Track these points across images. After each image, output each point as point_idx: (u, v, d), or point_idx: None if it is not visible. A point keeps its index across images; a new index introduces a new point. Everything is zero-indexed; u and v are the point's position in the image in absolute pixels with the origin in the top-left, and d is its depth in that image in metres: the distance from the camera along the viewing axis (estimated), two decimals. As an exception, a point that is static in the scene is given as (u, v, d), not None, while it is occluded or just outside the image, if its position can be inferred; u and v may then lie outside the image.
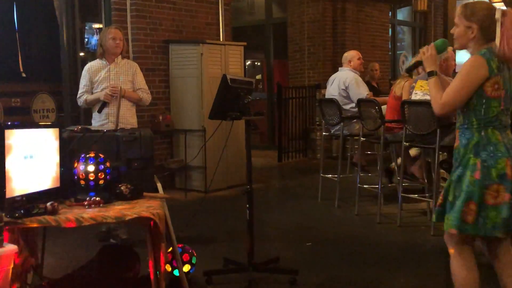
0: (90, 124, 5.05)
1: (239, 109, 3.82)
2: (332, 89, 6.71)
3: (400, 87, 5.92)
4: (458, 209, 2.77)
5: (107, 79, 4.84)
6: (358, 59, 6.75)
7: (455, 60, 5.49)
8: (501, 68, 2.76)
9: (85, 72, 4.91)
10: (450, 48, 5.53)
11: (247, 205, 3.93)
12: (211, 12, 7.97)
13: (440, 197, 2.94)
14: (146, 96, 5.01)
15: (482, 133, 2.78)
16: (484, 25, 2.80)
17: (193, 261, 3.86)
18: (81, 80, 4.94)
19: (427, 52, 3.00)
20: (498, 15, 2.77)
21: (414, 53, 13.23)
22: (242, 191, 3.94)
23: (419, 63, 3.18)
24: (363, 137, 6.00)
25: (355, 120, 6.27)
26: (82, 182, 3.02)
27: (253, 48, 12.00)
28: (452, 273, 2.97)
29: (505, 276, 2.91)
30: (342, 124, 6.20)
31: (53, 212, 2.75)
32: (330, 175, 6.65)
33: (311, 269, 4.22)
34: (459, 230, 2.78)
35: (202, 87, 7.04)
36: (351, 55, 6.78)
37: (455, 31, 2.92)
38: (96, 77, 4.84)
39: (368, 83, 8.17)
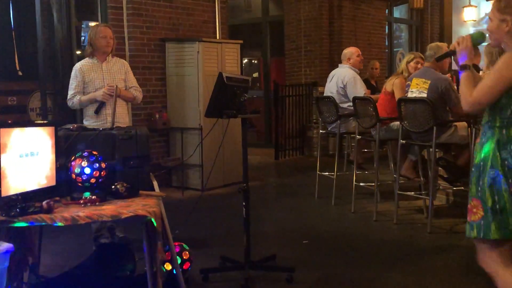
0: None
1: (235, 107, 3.83)
2: (331, 86, 6.72)
3: (391, 84, 6.00)
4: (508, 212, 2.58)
5: (100, 78, 4.70)
6: (358, 56, 6.72)
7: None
8: None
9: (76, 72, 4.72)
10: (445, 45, 5.55)
11: (244, 203, 3.93)
12: (207, 10, 7.97)
13: (476, 210, 2.67)
14: (139, 94, 4.94)
15: (504, 132, 2.63)
16: None
17: (190, 259, 3.86)
18: (71, 80, 4.75)
19: (462, 44, 2.82)
20: None
21: (411, 50, 13.26)
22: (239, 189, 3.94)
23: (451, 53, 2.95)
24: (359, 135, 6.01)
25: (351, 118, 6.28)
26: (78, 181, 3.02)
27: (250, 46, 11.99)
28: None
29: None
30: (338, 122, 6.21)
31: (49, 210, 2.75)
32: (327, 173, 6.66)
33: (307, 267, 4.22)
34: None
35: (198, 85, 7.03)
36: (351, 52, 6.75)
37: (489, 26, 2.75)
38: (88, 77, 4.68)
39: (366, 81, 8.19)
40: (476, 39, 2.85)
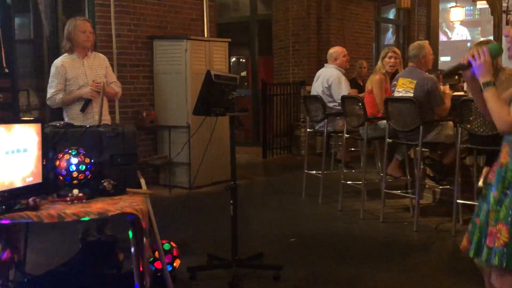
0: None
1: (223, 105, 3.83)
2: (317, 86, 6.72)
3: (371, 82, 6.03)
4: None
5: (83, 74, 4.52)
6: (344, 56, 6.68)
7: (432, 54, 5.52)
8: None
9: (57, 69, 4.48)
10: (426, 42, 5.59)
11: (231, 201, 3.93)
12: (195, 8, 7.95)
13: (500, 236, 2.35)
14: (119, 89, 4.78)
15: None
16: None
17: (177, 257, 3.86)
18: (51, 78, 4.52)
19: (479, 59, 2.48)
20: None
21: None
22: (226, 187, 3.94)
23: (462, 67, 2.57)
24: (347, 134, 6.04)
25: (339, 117, 6.30)
26: (65, 178, 3.01)
27: (238, 44, 11.99)
28: None
29: None
30: (326, 120, 6.23)
31: (35, 208, 2.74)
32: (314, 172, 6.68)
33: (294, 265, 4.23)
34: None
35: (186, 83, 7.02)
36: (337, 53, 6.71)
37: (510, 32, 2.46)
38: (71, 74, 4.48)
39: (354, 80, 8.22)
40: (495, 52, 2.55)
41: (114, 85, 4.72)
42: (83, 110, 4.49)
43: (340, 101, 6.13)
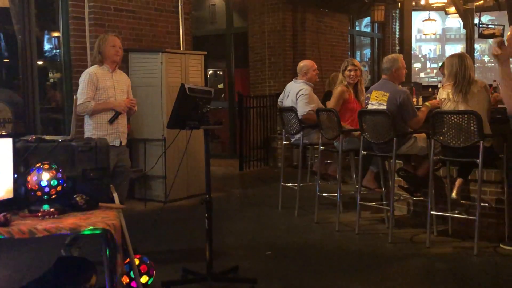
0: (47, 134, 4.95)
1: (198, 118, 3.83)
2: (288, 102, 6.60)
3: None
4: None
5: (112, 87, 4.75)
6: (314, 70, 6.58)
7: (405, 68, 5.60)
8: None
9: (88, 77, 4.67)
10: (400, 56, 5.68)
11: (206, 215, 3.92)
12: (171, 21, 7.96)
13: None
14: (136, 108, 5.05)
15: None
16: None
17: (151, 272, 3.82)
18: (83, 85, 4.67)
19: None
20: None
21: (373, 62, 13.50)
22: (201, 200, 3.93)
23: None
24: (322, 146, 6.07)
25: (314, 130, 6.32)
26: (36, 193, 2.96)
27: (215, 57, 12.00)
28: None
29: None
30: (301, 133, 6.25)
31: (6, 223, 2.69)
32: (290, 184, 6.69)
33: (270, 278, 4.23)
34: None
35: (162, 96, 7.00)
36: (307, 67, 6.57)
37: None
38: (101, 84, 4.68)
39: (329, 93, 8.25)
40: None
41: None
42: (111, 121, 4.69)
43: (302, 114, 6.19)
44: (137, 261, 3.72)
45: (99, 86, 4.69)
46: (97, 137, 4.48)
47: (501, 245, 4.88)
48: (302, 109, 6.26)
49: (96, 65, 4.79)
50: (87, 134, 4.75)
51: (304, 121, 6.27)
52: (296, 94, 6.45)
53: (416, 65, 14.78)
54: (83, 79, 4.71)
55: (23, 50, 6.53)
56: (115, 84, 4.78)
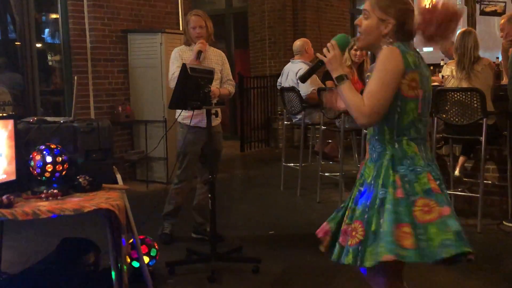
0: (48, 115, 4.90)
1: (200, 98, 3.80)
2: (288, 82, 6.59)
3: None
4: (388, 232, 2.19)
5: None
6: (311, 46, 6.60)
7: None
8: (417, 64, 2.29)
9: (175, 53, 4.64)
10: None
11: (209, 195, 3.92)
12: (170, 1, 7.88)
13: (355, 234, 2.31)
14: (232, 89, 4.83)
15: (396, 146, 2.31)
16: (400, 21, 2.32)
17: (153, 253, 3.83)
18: (172, 61, 4.63)
19: (329, 53, 2.38)
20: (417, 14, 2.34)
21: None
22: (204, 181, 3.92)
23: (316, 67, 2.52)
24: (324, 126, 6.05)
25: (316, 109, 6.29)
26: (39, 175, 2.95)
27: (214, 37, 11.90)
28: None
29: None
30: (303, 113, 6.23)
31: (9, 205, 2.68)
32: (292, 164, 6.68)
33: (274, 258, 4.24)
34: (396, 255, 2.15)
35: (162, 77, 6.96)
36: (304, 45, 6.55)
37: (364, 24, 2.40)
38: (186, 62, 4.49)
39: (327, 73, 8.21)
40: (342, 44, 2.44)
41: (227, 84, 4.76)
42: (198, 57, 4.50)
43: (306, 94, 6.17)
44: (141, 242, 3.72)
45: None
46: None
47: (504, 223, 4.89)
48: (306, 89, 6.22)
49: (183, 45, 4.74)
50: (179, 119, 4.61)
51: (308, 101, 6.24)
52: (296, 74, 6.41)
53: (417, 44, 14.69)
54: (171, 57, 4.69)
55: (21, 33, 6.48)
56: (202, 62, 4.56)
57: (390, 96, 2.24)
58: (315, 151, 6.73)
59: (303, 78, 2.61)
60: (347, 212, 2.46)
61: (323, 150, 6.52)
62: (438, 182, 2.30)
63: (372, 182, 2.34)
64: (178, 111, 4.44)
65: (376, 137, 2.37)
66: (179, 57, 4.61)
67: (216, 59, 4.73)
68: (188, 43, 4.70)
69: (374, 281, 2.48)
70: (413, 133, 2.31)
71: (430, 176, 2.28)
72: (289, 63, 6.70)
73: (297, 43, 6.66)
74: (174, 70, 4.54)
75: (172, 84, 4.47)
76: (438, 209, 2.23)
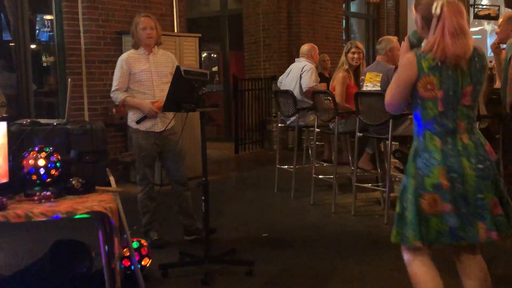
0: (41, 118, 4.89)
1: (194, 100, 3.80)
2: (289, 80, 6.72)
3: (333, 79, 6.13)
4: (413, 222, 2.55)
5: (147, 71, 4.50)
6: (318, 53, 6.93)
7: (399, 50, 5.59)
8: (435, 67, 2.46)
9: (121, 63, 4.51)
10: (395, 38, 5.65)
11: (203, 198, 3.92)
12: (165, 3, 7.89)
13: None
14: None
15: (420, 139, 2.57)
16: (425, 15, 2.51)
17: (148, 255, 3.83)
18: (115, 73, 4.54)
19: (403, 43, 2.68)
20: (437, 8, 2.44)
21: (368, 44, 13.44)
22: (198, 183, 3.92)
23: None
24: (317, 128, 6.06)
25: (310, 112, 6.32)
26: (32, 177, 2.95)
27: (209, 39, 11.93)
28: (415, 282, 2.78)
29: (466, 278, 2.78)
30: (297, 115, 6.24)
31: (2, 208, 2.68)
32: (286, 166, 6.70)
33: (267, 260, 4.24)
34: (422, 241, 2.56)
35: (156, 79, 6.94)
36: (314, 49, 6.85)
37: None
38: (135, 69, 4.48)
39: (321, 75, 8.26)
40: (413, 40, 2.64)
41: None
42: (138, 122, 4.50)
43: (307, 87, 6.28)
44: (134, 245, 3.72)
45: (133, 71, 4.48)
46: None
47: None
48: (307, 82, 6.33)
49: (132, 50, 4.62)
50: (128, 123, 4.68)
51: (305, 95, 6.38)
52: (301, 69, 6.58)
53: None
54: (116, 65, 4.58)
55: (16, 33, 6.47)
56: (152, 67, 4.53)
57: (402, 93, 2.54)
58: (325, 159, 6.86)
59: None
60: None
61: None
62: (455, 176, 2.46)
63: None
64: (131, 116, 4.53)
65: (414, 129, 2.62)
66: (125, 67, 4.49)
67: (166, 61, 4.65)
68: (136, 46, 4.58)
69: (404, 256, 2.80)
70: (437, 127, 2.51)
71: (443, 171, 2.46)
72: (295, 62, 6.96)
73: (305, 47, 6.91)
74: (115, 85, 4.52)
75: (114, 97, 4.55)
76: (442, 205, 2.47)
